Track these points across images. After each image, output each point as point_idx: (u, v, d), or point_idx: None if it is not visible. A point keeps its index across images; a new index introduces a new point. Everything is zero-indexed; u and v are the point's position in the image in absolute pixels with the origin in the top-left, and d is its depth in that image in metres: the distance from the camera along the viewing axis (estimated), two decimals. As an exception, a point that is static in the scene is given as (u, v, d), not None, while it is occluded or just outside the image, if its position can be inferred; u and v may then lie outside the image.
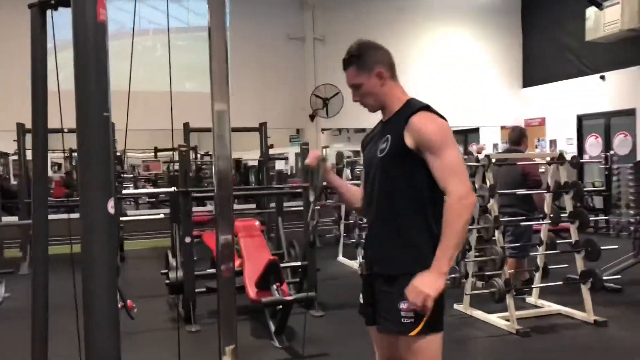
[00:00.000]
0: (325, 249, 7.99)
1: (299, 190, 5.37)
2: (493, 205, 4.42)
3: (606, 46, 10.67)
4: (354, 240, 7.15)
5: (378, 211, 2.08)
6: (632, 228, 8.54)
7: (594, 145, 11.43)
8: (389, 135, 2.03)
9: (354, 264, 7.08)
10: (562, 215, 4.73)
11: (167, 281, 4.85)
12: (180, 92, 8.47)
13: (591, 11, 10.53)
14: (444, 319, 2.02)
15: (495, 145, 13.74)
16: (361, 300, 2.23)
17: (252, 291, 4.35)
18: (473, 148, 13.78)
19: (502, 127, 13.31)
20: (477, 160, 4.59)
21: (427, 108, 2.02)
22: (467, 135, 14.71)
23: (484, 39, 12.61)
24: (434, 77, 11.90)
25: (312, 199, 2.28)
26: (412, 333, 1.94)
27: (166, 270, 5.12)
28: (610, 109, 11.12)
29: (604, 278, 4.84)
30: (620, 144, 10.96)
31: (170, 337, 4.31)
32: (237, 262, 5.33)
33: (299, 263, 5.07)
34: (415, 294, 1.88)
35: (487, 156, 4.54)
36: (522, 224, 4.91)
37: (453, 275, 5.63)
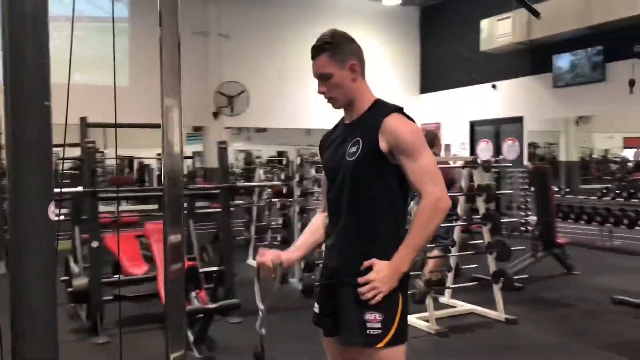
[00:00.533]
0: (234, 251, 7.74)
1: (215, 191, 5.13)
2: (413, 206, 4.46)
3: (498, 57, 11.36)
4: (266, 243, 7.00)
5: (347, 218, 1.96)
6: (522, 229, 9.19)
7: (484, 149, 12.09)
8: (358, 138, 1.92)
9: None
10: (474, 217, 4.89)
11: (69, 289, 4.43)
12: (74, 85, 7.83)
13: (485, 23, 11.16)
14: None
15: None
16: (316, 310, 2.11)
17: (168, 299, 4.06)
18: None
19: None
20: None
21: (400, 110, 1.94)
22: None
23: (384, 44, 12.94)
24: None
25: (261, 306, 2.00)
26: (380, 345, 1.86)
27: (67, 277, 4.68)
28: (500, 116, 11.84)
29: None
30: (509, 149, 11.70)
31: (76, 351, 3.99)
32: (143, 268, 5.00)
33: (215, 268, 4.83)
34: (369, 288, 1.84)
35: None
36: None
37: None
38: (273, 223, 6.80)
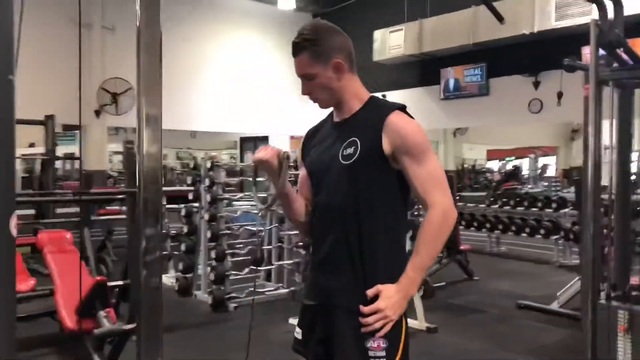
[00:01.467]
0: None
1: (120, 197, 4.60)
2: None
3: (390, 67, 11.64)
4: (166, 253, 6.46)
5: (342, 229, 1.71)
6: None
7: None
8: (355, 139, 1.70)
9: (166, 279, 6.40)
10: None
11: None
12: None
13: (379, 34, 11.38)
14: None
15: (283, 154, 14.02)
16: (299, 336, 1.84)
17: (71, 320, 3.53)
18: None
19: (292, 137, 13.63)
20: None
21: (403, 108, 1.74)
22: (255, 143, 14.75)
23: (277, 49, 12.75)
24: (227, 81, 11.70)
25: (260, 205, 1.84)
26: None
27: None
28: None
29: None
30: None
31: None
32: (29, 283, 4.36)
33: (119, 282, 4.32)
34: (378, 318, 1.62)
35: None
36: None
37: (293, 288, 5.45)
38: (173, 231, 6.30)
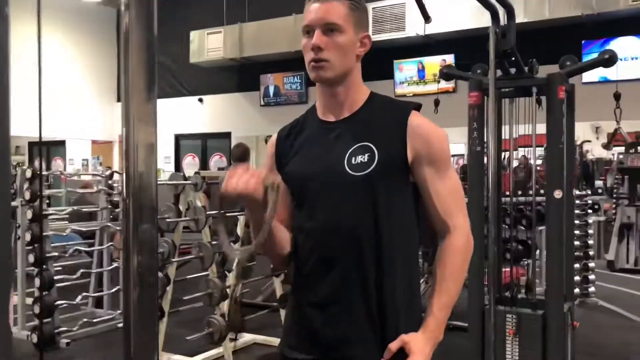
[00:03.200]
0: None
1: None
2: (206, 230, 3.82)
3: (208, 71, 11.16)
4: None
5: (351, 258, 1.35)
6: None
7: (190, 164, 11.74)
8: (368, 144, 1.34)
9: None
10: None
11: None
12: None
13: (195, 34, 10.85)
14: None
15: (85, 161, 12.62)
16: None
17: None
18: (58, 163, 12.33)
19: (93, 142, 12.35)
20: (185, 178, 3.92)
21: (419, 108, 1.42)
22: (49, 148, 13.03)
23: (78, 45, 11.44)
24: (15, 77, 10.11)
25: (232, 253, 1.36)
26: None
27: None
28: (207, 130, 11.64)
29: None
30: (216, 164, 11.59)
31: None
32: None
33: None
34: None
35: (197, 173, 3.92)
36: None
37: None
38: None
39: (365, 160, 1.33)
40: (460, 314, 3.14)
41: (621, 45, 8.06)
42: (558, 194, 3.06)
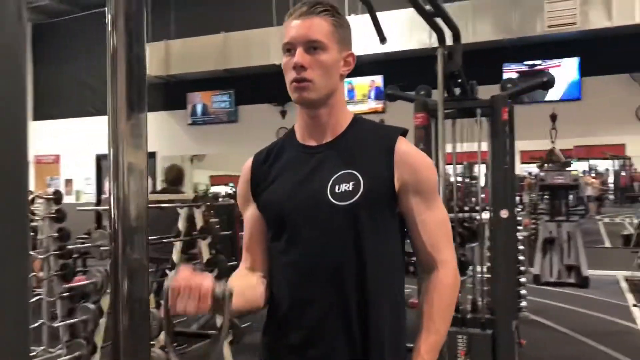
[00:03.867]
0: None
1: None
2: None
3: (132, 88, 10.77)
4: None
5: (333, 295, 1.24)
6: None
7: (113, 186, 11.24)
8: (353, 171, 1.26)
9: None
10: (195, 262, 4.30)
11: None
12: None
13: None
14: None
15: None
16: None
17: None
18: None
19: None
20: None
21: (406, 134, 1.35)
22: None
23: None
24: None
25: None
26: None
27: None
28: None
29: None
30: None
31: None
32: None
33: None
34: None
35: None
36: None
37: (78, 354, 4.36)
38: None
39: (350, 188, 1.24)
40: (410, 335, 3.11)
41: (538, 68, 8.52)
42: (504, 213, 3.10)
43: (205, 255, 4.27)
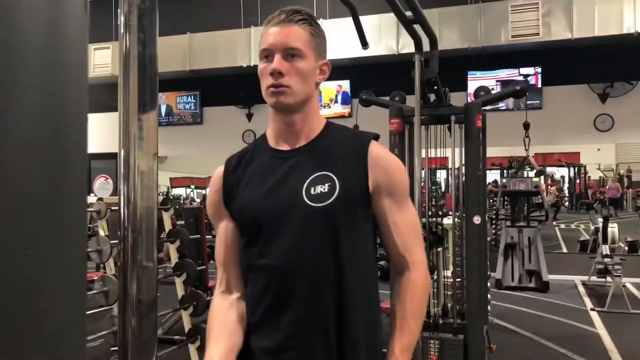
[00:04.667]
0: None
1: None
2: (110, 262, 3.50)
3: (94, 88, 10.50)
4: None
5: (309, 299, 1.24)
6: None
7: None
8: (328, 173, 1.26)
9: None
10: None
11: None
12: None
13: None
14: None
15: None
16: None
17: None
18: None
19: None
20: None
21: (377, 138, 1.38)
22: None
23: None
24: None
25: None
26: None
27: None
28: (91, 150, 10.91)
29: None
30: (101, 186, 10.87)
31: None
32: None
33: None
34: None
35: (100, 200, 3.60)
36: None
37: None
38: None
39: (326, 190, 1.25)
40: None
41: (501, 76, 8.71)
42: (477, 219, 3.14)
43: (174, 259, 4.19)
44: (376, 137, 1.35)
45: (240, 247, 1.33)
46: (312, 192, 1.25)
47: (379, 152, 1.31)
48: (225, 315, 1.32)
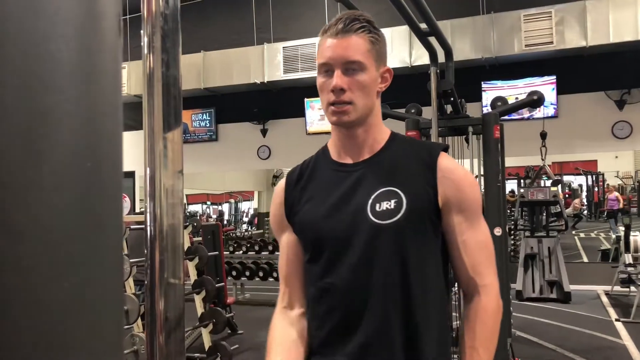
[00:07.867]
0: None
1: None
2: (130, 281, 3.51)
3: (110, 107, 10.66)
4: None
5: (376, 321, 1.19)
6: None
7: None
8: (394, 189, 1.21)
9: None
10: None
11: None
12: None
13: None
14: None
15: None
16: None
17: None
18: None
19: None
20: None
21: (447, 149, 1.32)
22: None
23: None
24: None
25: None
26: None
27: None
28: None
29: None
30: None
31: None
32: None
33: None
34: None
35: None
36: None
37: None
38: None
39: (392, 206, 1.19)
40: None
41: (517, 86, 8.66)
42: (498, 231, 3.10)
43: (193, 276, 4.19)
44: (445, 149, 1.30)
45: (303, 262, 1.30)
46: (377, 208, 1.20)
47: (449, 165, 1.24)
48: (285, 332, 1.29)
